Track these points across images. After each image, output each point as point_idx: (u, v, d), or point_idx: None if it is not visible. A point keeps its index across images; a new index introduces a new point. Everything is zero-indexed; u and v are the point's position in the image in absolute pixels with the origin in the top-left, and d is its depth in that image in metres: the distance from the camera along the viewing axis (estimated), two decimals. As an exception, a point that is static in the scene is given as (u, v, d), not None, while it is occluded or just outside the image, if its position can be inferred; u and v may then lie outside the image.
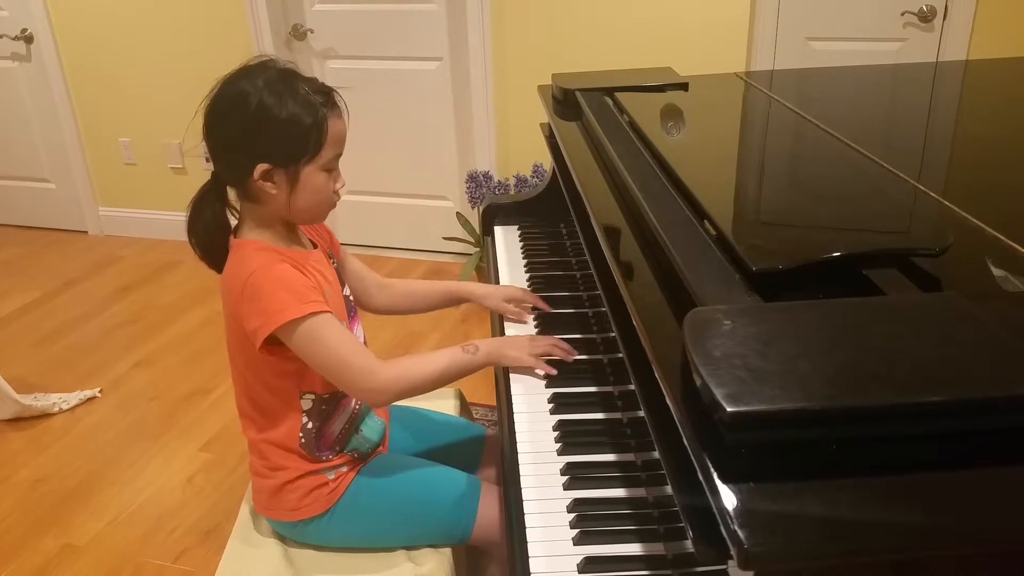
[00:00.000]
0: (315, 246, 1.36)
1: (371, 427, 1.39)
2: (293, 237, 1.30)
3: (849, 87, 1.91)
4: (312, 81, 1.21)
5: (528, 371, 1.32)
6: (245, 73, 1.19)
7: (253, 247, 1.23)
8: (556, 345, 1.34)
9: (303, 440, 1.30)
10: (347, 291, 1.41)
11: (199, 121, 1.20)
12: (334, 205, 1.28)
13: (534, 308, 1.53)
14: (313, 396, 1.29)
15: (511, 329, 1.49)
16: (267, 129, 1.17)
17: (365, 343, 1.41)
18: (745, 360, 0.69)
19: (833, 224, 1.05)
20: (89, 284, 3.55)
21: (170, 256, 3.78)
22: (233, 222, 1.29)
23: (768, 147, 1.45)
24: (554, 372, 1.31)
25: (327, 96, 1.20)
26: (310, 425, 1.30)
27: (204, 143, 1.22)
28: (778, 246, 0.99)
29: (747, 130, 1.55)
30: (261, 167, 1.18)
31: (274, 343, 1.21)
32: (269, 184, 1.20)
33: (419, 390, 1.27)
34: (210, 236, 1.27)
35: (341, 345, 1.20)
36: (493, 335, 1.51)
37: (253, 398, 1.30)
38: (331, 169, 1.23)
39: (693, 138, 1.47)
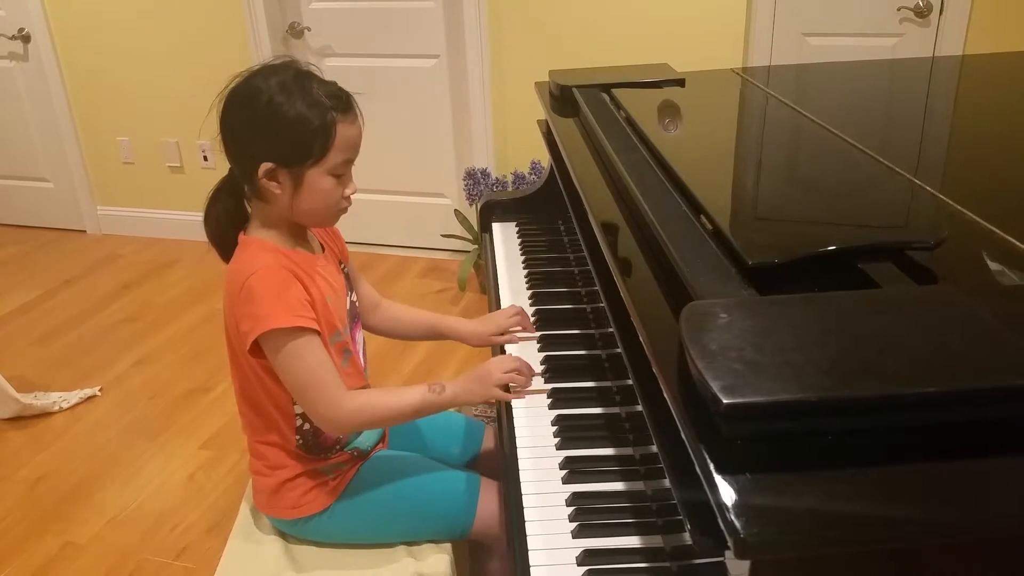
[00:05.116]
0: (324, 249, 1.35)
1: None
2: (300, 239, 1.29)
3: (845, 83, 1.92)
4: (329, 84, 1.19)
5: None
6: (263, 71, 1.18)
7: (259, 246, 1.23)
8: (520, 362, 1.30)
9: (300, 442, 1.30)
10: (354, 297, 1.39)
11: (212, 117, 1.20)
12: (343, 211, 1.25)
13: (532, 303, 1.53)
14: None
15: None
16: (273, 128, 1.16)
17: (364, 349, 1.41)
18: (741, 353, 0.70)
19: (829, 218, 1.06)
20: (88, 283, 3.56)
21: (169, 254, 3.78)
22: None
23: (764, 142, 1.45)
24: (509, 398, 1.27)
25: (340, 100, 1.18)
26: (307, 427, 1.29)
27: (220, 136, 1.21)
28: (774, 240, 1.00)
29: (744, 125, 1.56)
30: (265, 166, 1.17)
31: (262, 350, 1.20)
32: (273, 184, 1.19)
33: (378, 425, 1.25)
34: (221, 229, 1.27)
35: (318, 368, 1.18)
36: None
37: (249, 400, 1.29)
38: (340, 174, 1.21)
39: (690, 134, 1.48)
